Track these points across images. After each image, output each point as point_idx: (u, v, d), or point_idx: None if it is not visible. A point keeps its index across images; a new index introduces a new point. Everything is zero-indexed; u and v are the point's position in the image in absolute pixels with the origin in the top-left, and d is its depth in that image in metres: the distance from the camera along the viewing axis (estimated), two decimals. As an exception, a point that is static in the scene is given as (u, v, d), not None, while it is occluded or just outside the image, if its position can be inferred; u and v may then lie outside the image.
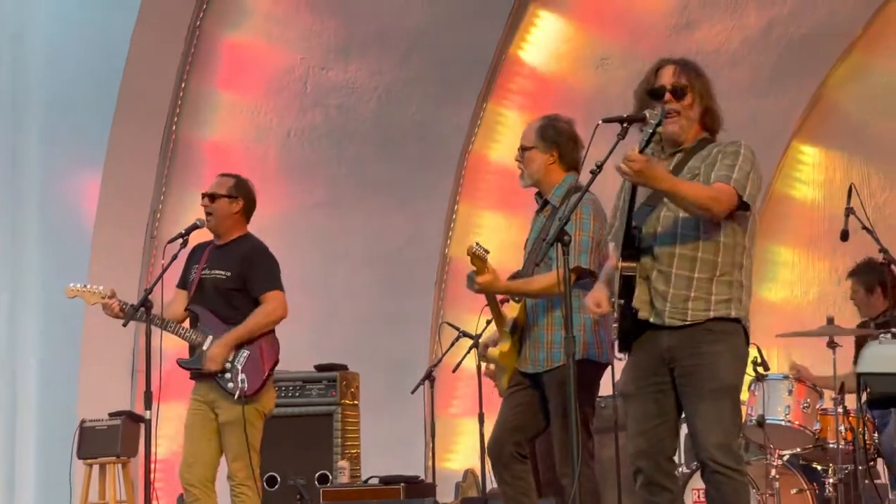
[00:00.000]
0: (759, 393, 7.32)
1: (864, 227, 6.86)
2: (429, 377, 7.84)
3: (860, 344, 7.01)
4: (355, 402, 8.73)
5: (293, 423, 8.43)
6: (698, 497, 7.34)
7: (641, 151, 4.52)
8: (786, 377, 7.43)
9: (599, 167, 4.60)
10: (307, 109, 10.38)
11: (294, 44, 10.23)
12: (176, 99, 10.05)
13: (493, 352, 5.78)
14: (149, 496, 6.11)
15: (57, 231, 9.84)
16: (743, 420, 7.29)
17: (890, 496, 7.21)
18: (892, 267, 7.08)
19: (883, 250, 6.95)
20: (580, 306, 5.47)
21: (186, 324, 6.51)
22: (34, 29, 9.98)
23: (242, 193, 6.59)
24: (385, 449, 9.31)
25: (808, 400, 7.32)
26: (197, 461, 6.36)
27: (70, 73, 9.80)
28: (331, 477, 8.35)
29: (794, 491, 7.36)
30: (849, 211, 6.84)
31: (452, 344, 7.83)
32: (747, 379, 7.24)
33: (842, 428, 7.21)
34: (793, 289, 10.60)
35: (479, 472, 8.29)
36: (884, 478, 7.57)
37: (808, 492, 7.36)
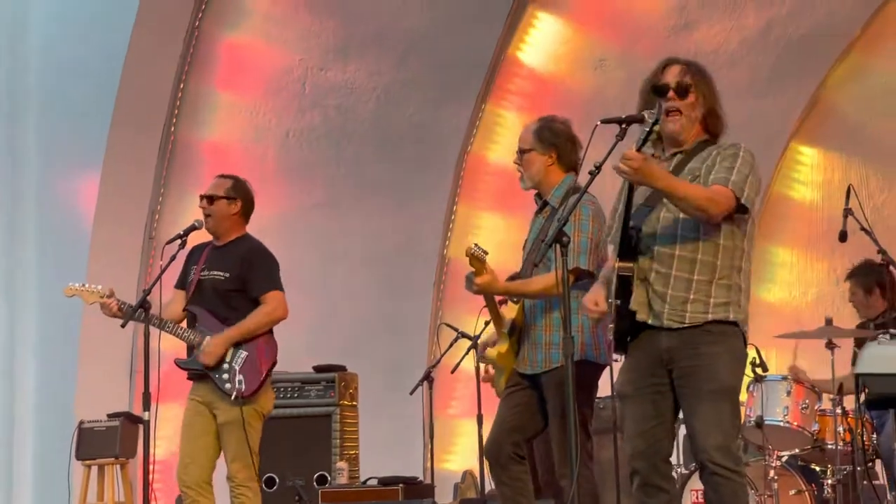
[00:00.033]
0: (758, 394, 7.32)
1: (863, 228, 6.86)
2: (427, 378, 7.84)
3: (859, 345, 7.02)
4: (354, 402, 8.73)
5: (292, 423, 8.43)
6: (697, 498, 7.34)
7: (639, 150, 4.52)
8: (784, 378, 7.43)
9: (598, 168, 4.59)
10: (306, 110, 10.38)
11: (293, 44, 10.23)
12: (174, 99, 10.05)
13: (491, 352, 5.78)
14: (147, 497, 6.10)
15: (55, 231, 9.84)
16: (742, 421, 7.29)
17: (888, 497, 7.21)
18: (891, 268, 7.08)
19: (881, 251, 6.94)
20: (579, 307, 5.47)
21: (184, 324, 6.51)
22: (33, 29, 9.98)
23: (241, 194, 6.59)
24: (384, 450, 9.31)
25: (807, 401, 7.32)
26: (193, 462, 6.36)
27: (69, 73, 9.79)
28: (329, 478, 8.35)
29: (792, 492, 7.36)
30: (847, 212, 6.84)
31: (451, 345, 7.83)
32: (746, 380, 7.25)
33: (840, 429, 7.21)
34: (791, 290, 10.60)
35: (477, 474, 8.29)
36: (882, 479, 7.57)
37: (806, 493, 7.36)
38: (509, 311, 5.73)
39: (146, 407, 6.07)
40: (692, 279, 4.67)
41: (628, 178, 4.56)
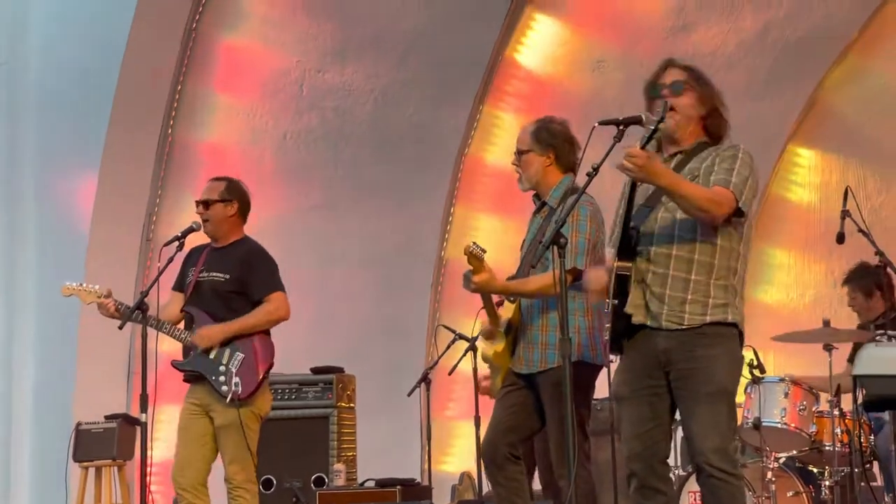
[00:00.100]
0: (756, 395, 7.32)
1: (861, 230, 6.86)
2: (425, 380, 7.84)
3: (858, 346, 7.02)
4: (351, 404, 8.73)
5: (289, 425, 8.43)
6: (695, 500, 7.34)
7: (643, 148, 4.52)
8: (782, 380, 7.43)
9: (596, 169, 4.60)
10: (303, 112, 10.38)
11: (290, 46, 10.23)
12: (172, 101, 10.05)
13: (488, 351, 5.78)
14: (145, 499, 6.10)
15: (53, 232, 9.84)
16: (739, 423, 7.29)
17: (886, 498, 7.21)
18: (888, 269, 7.08)
19: (879, 253, 6.94)
20: (576, 308, 5.48)
21: (182, 326, 6.51)
22: (31, 30, 9.98)
23: (236, 195, 6.58)
24: (381, 452, 9.30)
25: (805, 402, 7.32)
26: (190, 464, 6.36)
27: (67, 74, 9.79)
28: (327, 480, 8.35)
29: (790, 493, 7.36)
30: (845, 213, 6.84)
31: (448, 346, 7.83)
32: (743, 381, 7.25)
33: (838, 430, 7.21)
34: (789, 291, 10.60)
35: (475, 475, 8.28)
36: (880, 480, 7.57)
37: (804, 494, 7.36)
38: (506, 311, 5.74)
39: (144, 409, 6.06)
40: (689, 279, 4.67)
41: (632, 176, 4.56)
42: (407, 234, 10.57)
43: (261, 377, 6.37)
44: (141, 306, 6.17)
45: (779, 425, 7.28)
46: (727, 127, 4.87)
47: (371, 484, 8.09)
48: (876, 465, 7.45)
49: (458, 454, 10.27)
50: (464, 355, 7.45)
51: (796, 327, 8.03)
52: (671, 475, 5.02)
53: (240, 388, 6.29)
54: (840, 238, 6.77)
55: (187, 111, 10.16)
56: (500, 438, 5.61)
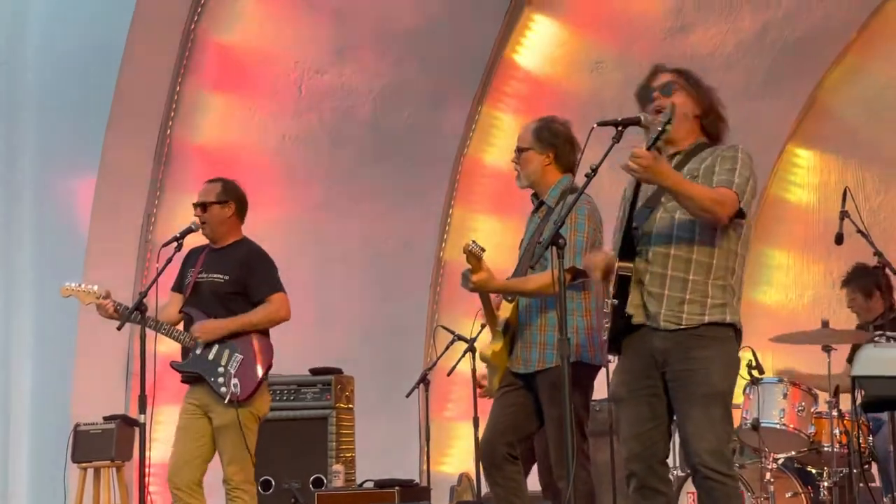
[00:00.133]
0: (754, 396, 7.32)
1: (859, 231, 6.86)
2: (423, 381, 7.84)
3: (857, 347, 7.01)
4: (350, 405, 8.73)
5: (288, 426, 8.43)
6: (693, 500, 7.34)
7: (648, 149, 4.52)
8: (780, 381, 7.43)
9: (594, 170, 4.60)
10: (302, 113, 10.37)
11: (289, 47, 10.22)
12: (170, 102, 10.04)
13: (486, 351, 5.77)
14: (143, 500, 6.10)
15: (52, 233, 9.83)
16: (738, 424, 7.30)
17: (884, 500, 7.21)
18: (887, 270, 7.08)
19: (878, 253, 6.95)
20: (574, 308, 5.48)
21: (181, 327, 6.51)
22: (29, 31, 9.97)
23: (232, 196, 6.58)
24: (380, 452, 9.30)
25: (803, 403, 7.32)
26: (187, 464, 6.36)
27: (65, 75, 9.79)
28: (325, 481, 8.34)
29: (788, 494, 7.36)
30: (843, 214, 6.84)
31: (447, 347, 7.83)
32: (742, 382, 7.25)
33: (836, 431, 7.20)
34: (787, 292, 10.60)
35: (474, 476, 8.28)
36: (878, 481, 7.56)
37: (802, 495, 7.36)
38: (504, 311, 5.73)
39: (142, 410, 6.05)
40: (688, 279, 4.67)
41: (637, 177, 4.56)
42: (405, 234, 10.57)
43: (260, 378, 6.37)
44: (140, 307, 6.17)
45: (777, 426, 7.28)
46: (725, 127, 4.88)
47: (370, 485, 8.09)
48: (874, 465, 7.44)
49: (457, 455, 10.26)
50: (462, 356, 7.45)
51: (795, 328, 8.03)
52: (670, 476, 5.01)
53: (238, 390, 6.29)
54: (839, 239, 6.77)
55: (186, 112, 10.16)
56: (498, 439, 5.60)
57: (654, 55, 9.77)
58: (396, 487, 7.89)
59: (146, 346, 6.10)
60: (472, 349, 7.15)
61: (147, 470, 6.13)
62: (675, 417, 4.78)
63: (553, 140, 5.72)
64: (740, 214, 4.69)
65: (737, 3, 10.11)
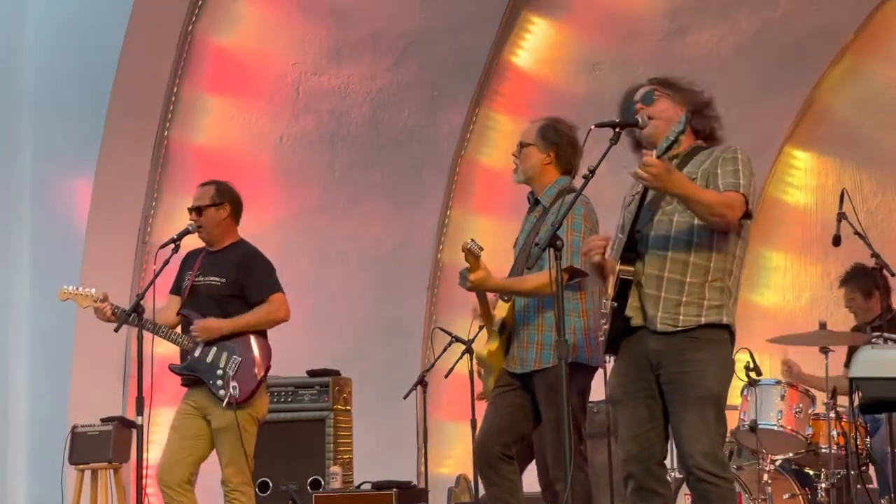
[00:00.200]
0: (752, 398, 7.32)
1: (857, 233, 6.87)
2: (421, 382, 7.84)
3: (853, 349, 7.02)
4: (348, 407, 8.73)
5: (285, 428, 8.42)
6: (691, 502, 7.34)
7: (659, 157, 4.52)
8: (778, 382, 7.43)
9: (592, 172, 4.60)
10: (299, 115, 10.37)
11: (286, 49, 10.22)
12: (168, 104, 10.03)
13: (482, 351, 5.77)
14: (140, 502, 6.09)
15: (49, 235, 9.82)
16: (735, 425, 7.30)
17: (882, 501, 7.21)
18: (884, 271, 7.09)
19: (875, 255, 6.96)
20: (571, 309, 5.47)
21: (179, 329, 6.51)
22: (26, 34, 9.96)
23: (227, 198, 6.58)
24: (377, 454, 9.30)
25: (801, 405, 7.32)
26: (177, 462, 6.35)
27: (62, 77, 9.78)
28: (323, 482, 8.34)
29: (786, 496, 7.36)
30: (841, 216, 6.85)
31: (445, 349, 7.84)
32: (740, 384, 7.25)
33: (834, 433, 7.20)
34: (785, 294, 10.61)
35: (471, 478, 8.29)
36: (875, 483, 7.57)
37: (800, 496, 7.36)
38: (500, 311, 5.73)
39: (140, 411, 6.05)
40: (685, 281, 4.67)
41: (648, 185, 4.55)
42: (403, 236, 10.58)
43: (258, 381, 6.37)
44: (137, 309, 6.17)
45: (775, 427, 7.28)
46: (718, 127, 4.88)
47: (367, 486, 8.08)
48: (872, 467, 7.44)
49: (455, 457, 10.27)
50: (460, 358, 7.45)
51: (793, 330, 8.04)
52: (668, 477, 5.01)
53: (237, 392, 6.28)
54: (836, 241, 6.78)
55: (183, 114, 10.15)
56: (494, 439, 5.60)
57: (651, 57, 9.80)
58: (394, 489, 7.88)
59: (143, 348, 6.10)
60: (469, 351, 7.16)
61: (144, 472, 6.12)
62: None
63: (556, 140, 5.73)
64: (747, 215, 4.70)
65: (734, 5, 10.11)
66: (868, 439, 7.27)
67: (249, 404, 6.35)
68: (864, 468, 7.29)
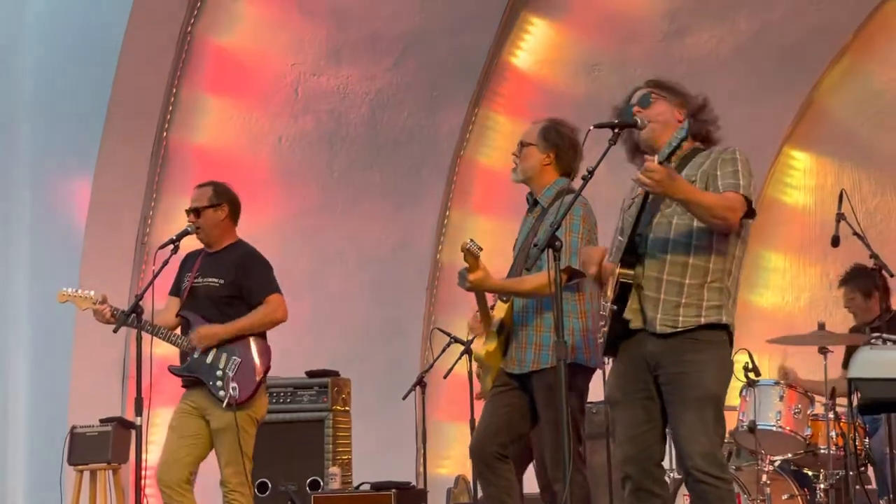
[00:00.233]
0: (751, 399, 7.32)
1: (855, 233, 6.87)
2: (420, 383, 7.85)
3: (852, 350, 7.02)
4: (347, 408, 8.73)
5: (284, 429, 8.42)
6: (689, 502, 7.33)
7: (661, 163, 4.52)
8: (777, 383, 7.43)
9: (591, 172, 4.60)
10: (298, 115, 10.37)
11: (285, 49, 10.22)
12: (167, 104, 10.04)
13: (479, 351, 5.77)
14: (139, 502, 6.09)
15: (48, 235, 9.82)
16: (735, 426, 7.30)
17: (880, 502, 7.21)
18: (883, 272, 7.09)
19: (874, 255, 6.96)
20: (569, 310, 5.48)
21: (178, 331, 6.51)
22: (25, 35, 9.96)
23: (224, 198, 6.57)
24: (376, 455, 9.30)
25: (800, 405, 7.32)
26: (176, 462, 6.34)
27: (61, 78, 9.78)
28: (322, 483, 8.34)
29: (785, 496, 7.37)
30: (840, 216, 6.85)
31: (444, 350, 7.84)
32: (739, 385, 7.25)
33: (833, 433, 7.21)
34: (784, 294, 10.61)
35: (470, 478, 8.29)
36: (874, 484, 7.57)
37: (799, 497, 7.36)
38: (498, 311, 5.73)
39: (139, 412, 6.06)
40: (684, 283, 4.67)
41: (650, 190, 4.55)
42: (402, 236, 10.57)
43: (258, 382, 6.37)
44: (136, 310, 6.17)
45: (774, 428, 7.28)
46: (714, 129, 4.88)
47: (366, 487, 8.08)
48: (871, 468, 7.45)
49: (454, 457, 10.26)
50: (459, 358, 7.46)
51: (791, 330, 8.05)
52: (666, 478, 5.01)
53: (237, 393, 6.28)
54: (835, 241, 6.78)
55: (182, 114, 10.15)
56: (491, 438, 5.59)
57: (650, 58, 9.81)
58: (393, 490, 7.88)
59: (142, 349, 6.10)
60: (468, 351, 7.16)
61: (143, 472, 6.12)
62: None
63: (557, 141, 5.73)
64: (749, 214, 4.70)
65: (733, 6, 10.11)
66: (867, 440, 7.26)
67: (249, 405, 6.35)
68: (862, 469, 7.29)
